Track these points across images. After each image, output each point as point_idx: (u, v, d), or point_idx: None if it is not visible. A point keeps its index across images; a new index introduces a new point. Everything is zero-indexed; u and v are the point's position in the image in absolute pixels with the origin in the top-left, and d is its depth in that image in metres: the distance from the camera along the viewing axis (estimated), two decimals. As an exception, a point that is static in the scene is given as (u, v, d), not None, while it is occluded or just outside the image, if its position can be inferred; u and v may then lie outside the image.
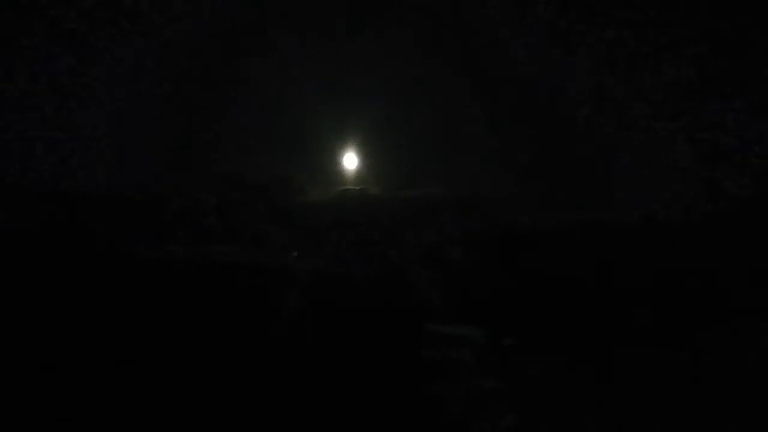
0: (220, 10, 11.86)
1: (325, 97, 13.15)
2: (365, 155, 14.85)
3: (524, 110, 12.75)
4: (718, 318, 7.87)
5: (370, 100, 13.38)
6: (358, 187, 14.27)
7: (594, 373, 7.13)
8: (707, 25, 10.35)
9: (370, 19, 12.95)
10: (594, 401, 6.50)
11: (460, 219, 11.63)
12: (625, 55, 11.12)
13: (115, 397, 5.89)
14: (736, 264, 8.52)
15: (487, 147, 13.23)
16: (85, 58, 10.46)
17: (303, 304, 8.37)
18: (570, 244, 9.83)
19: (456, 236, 10.83)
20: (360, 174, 15.03)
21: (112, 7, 10.48)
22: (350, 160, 15.01)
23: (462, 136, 13.70)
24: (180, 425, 5.76)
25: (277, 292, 8.48)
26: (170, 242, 9.22)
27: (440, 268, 9.78)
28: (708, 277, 8.46)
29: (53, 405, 5.66)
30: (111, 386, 6.01)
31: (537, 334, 8.00)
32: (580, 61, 11.51)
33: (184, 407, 5.94)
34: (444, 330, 7.97)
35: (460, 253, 10.30)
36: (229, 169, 12.27)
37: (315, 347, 7.32)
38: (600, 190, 10.96)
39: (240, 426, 5.88)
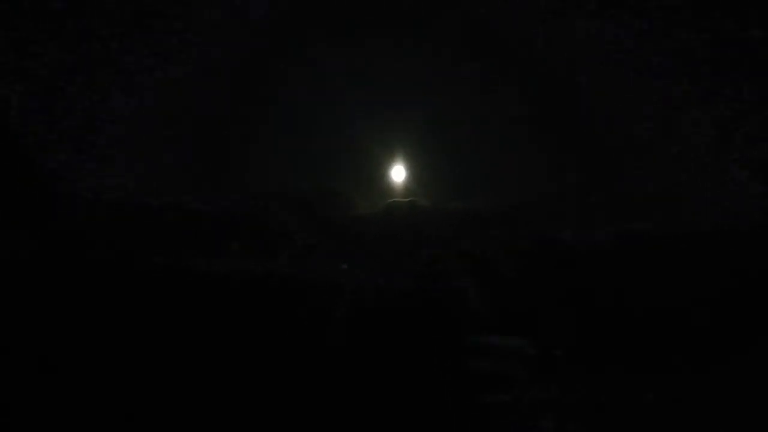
0: (258, 26, 12.09)
1: (368, 110, 13.31)
2: (413, 167, 14.92)
3: (572, 121, 12.53)
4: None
5: (414, 112, 13.46)
6: (406, 200, 14.33)
7: (649, 385, 6.93)
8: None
9: (410, 30, 13.04)
10: (648, 414, 6.31)
11: (507, 231, 11.52)
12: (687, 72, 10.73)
13: (167, 410, 6.11)
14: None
15: (534, 158, 13.08)
16: (121, 73, 10.86)
17: (351, 316, 8.45)
18: (619, 256, 9.58)
19: (504, 248, 10.73)
20: (408, 185, 15.11)
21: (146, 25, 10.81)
22: (398, 172, 15.12)
23: (508, 146, 13.58)
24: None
25: (325, 304, 8.60)
26: (217, 257, 9.50)
27: (488, 280, 9.71)
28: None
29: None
30: (166, 398, 6.25)
31: (588, 346, 7.84)
32: (638, 78, 11.19)
33: (235, 421, 6.10)
34: (492, 341, 7.91)
35: (508, 264, 10.20)
36: (272, 184, 12.51)
37: (363, 360, 7.39)
38: (644, 200, 10.65)
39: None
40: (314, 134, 13.65)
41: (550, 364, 7.65)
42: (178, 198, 10.84)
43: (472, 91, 13.40)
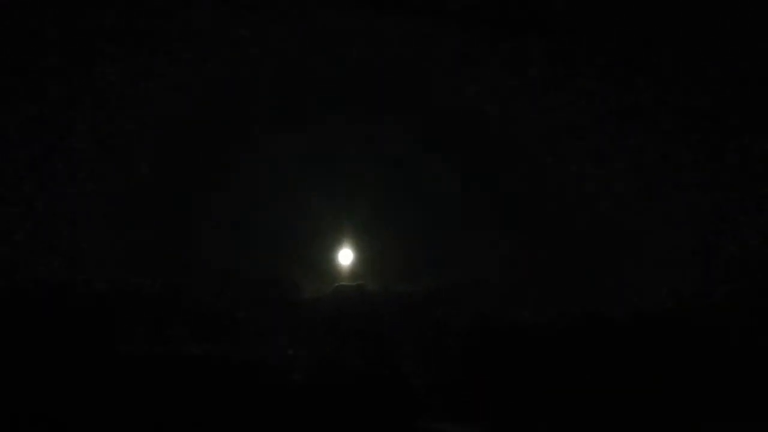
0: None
1: (314, 192, 13.44)
2: (360, 250, 14.99)
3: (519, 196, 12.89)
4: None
5: (362, 197, 13.69)
6: (353, 283, 14.26)
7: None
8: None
9: (360, 112, 13.44)
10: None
11: (456, 313, 11.58)
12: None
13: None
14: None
15: (484, 239, 13.35)
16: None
17: (298, 400, 8.21)
18: (568, 339, 9.74)
19: (452, 331, 10.75)
20: (355, 269, 15.09)
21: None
22: (345, 256, 15.12)
23: (458, 228, 13.86)
24: None
25: (272, 389, 8.35)
26: (168, 339, 9.22)
27: (435, 363, 9.66)
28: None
29: None
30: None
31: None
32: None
33: None
34: (440, 428, 7.79)
35: (457, 348, 10.20)
36: (217, 267, 12.27)
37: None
38: (592, 280, 10.91)
39: None
40: (261, 217, 13.62)
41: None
42: (122, 278, 10.51)
43: (428, 179, 13.77)
